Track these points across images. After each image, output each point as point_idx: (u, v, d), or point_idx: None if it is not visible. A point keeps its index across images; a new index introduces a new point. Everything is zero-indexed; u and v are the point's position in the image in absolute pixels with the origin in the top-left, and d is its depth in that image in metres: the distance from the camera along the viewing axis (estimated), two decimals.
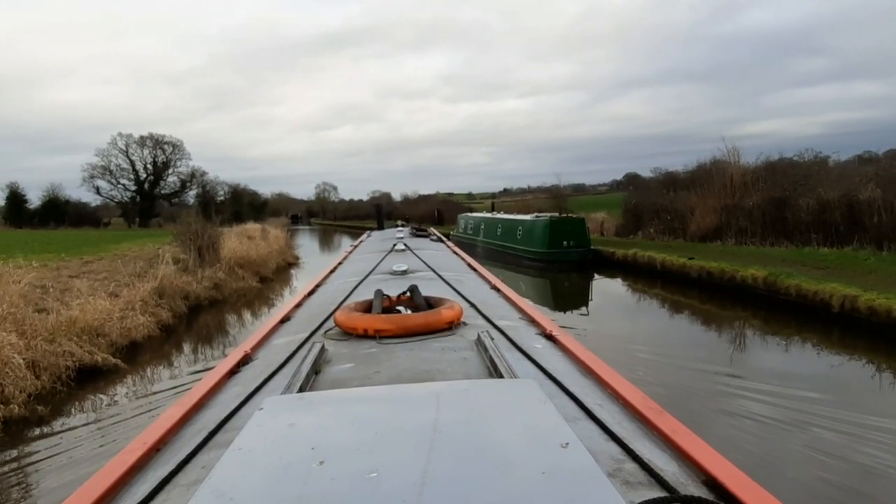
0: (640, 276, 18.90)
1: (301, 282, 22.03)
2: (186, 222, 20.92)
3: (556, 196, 37.68)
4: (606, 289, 19.16)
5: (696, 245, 21.12)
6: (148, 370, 10.67)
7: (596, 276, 20.77)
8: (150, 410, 8.18)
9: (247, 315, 16.41)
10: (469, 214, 32.11)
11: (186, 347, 12.42)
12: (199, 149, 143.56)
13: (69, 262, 20.08)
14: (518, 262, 23.36)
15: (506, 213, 29.71)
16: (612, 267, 20.90)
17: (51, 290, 13.57)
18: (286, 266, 25.70)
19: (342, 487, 1.15)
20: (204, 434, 1.86)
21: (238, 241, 21.62)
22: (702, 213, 22.17)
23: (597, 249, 21.65)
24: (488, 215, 29.11)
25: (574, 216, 22.13)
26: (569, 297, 18.81)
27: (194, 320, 14.86)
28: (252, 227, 33.44)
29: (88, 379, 9.71)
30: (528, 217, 24.10)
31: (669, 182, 26.99)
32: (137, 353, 11.37)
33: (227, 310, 16.64)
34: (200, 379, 2.67)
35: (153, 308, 13.13)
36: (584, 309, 16.29)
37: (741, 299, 14.20)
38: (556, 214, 23.15)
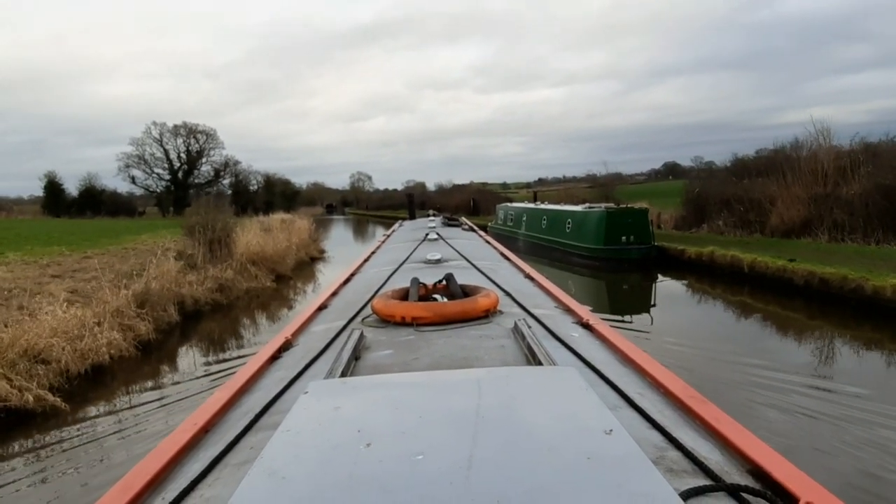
0: (719, 279, 15.55)
1: (325, 279, 19.35)
2: (196, 213, 18.39)
3: (602, 185, 34.13)
4: (675, 294, 15.86)
5: (780, 241, 17.60)
6: (106, 409, 8.00)
7: (660, 277, 17.50)
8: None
9: (253, 324, 13.69)
10: (509, 205, 28.89)
11: (166, 372, 9.70)
12: (238, 140, 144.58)
13: (69, 256, 17.77)
14: (567, 258, 20.19)
15: (550, 203, 26.44)
16: (680, 267, 17.56)
17: (21, 294, 11.12)
18: (309, 261, 23.00)
19: (390, 468, 1.15)
20: (250, 416, 1.88)
21: (252, 233, 18.93)
22: (785, 204, 18.60)
23: (661, 246, 18.32)
24: (531, 205, 25.88)
25: (635, 207, 18.82)
26: (629, 301, 15.63)
27: (188, 332, 12.21)
28: (275, 217, 30.99)
29: (16, 426, 7.10)
30: (578, 208, 20.83)
31: (740, 168, 23.32)
32: (97, 384, 8.71)
33: (232, 317, 13.96)
34: (244, 364, 2.62)
35: (131, 319, 10.50)
36: (645, 316, 13.19)
37: (870, 316, 10.82)
38: (612, 205, 19.85)
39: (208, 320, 13.32)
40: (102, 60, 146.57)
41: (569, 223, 20.34)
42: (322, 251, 26.33)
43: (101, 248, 20.44)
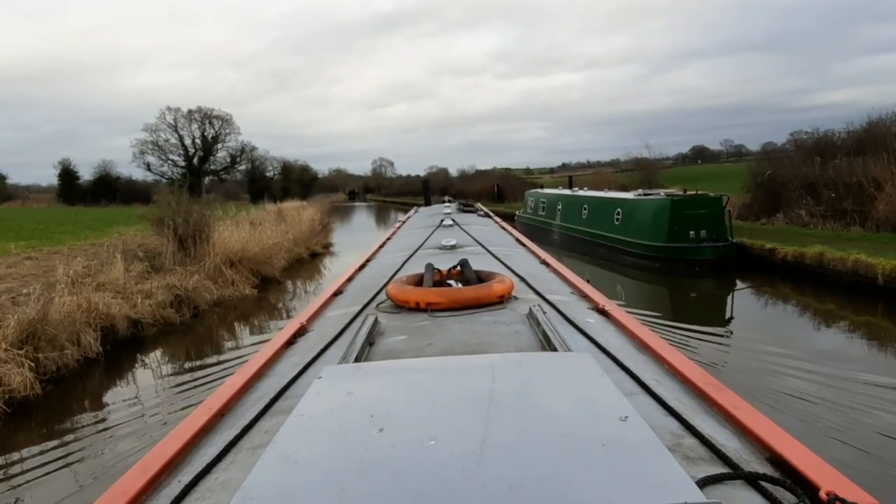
0: (828, 290, 11.46)
1: (325, 281, 15.72)
2: (165, 202, 14.84)
3: (643, 167, 29.84)
4: (762, 308, 11.82)
5: (893, 236, 13.39)
6: None
7: (739, 283, 13.47)
8: None
9: (215, 351, 10.05)
10: (540, 191, 24.80)
11: (32, 456, 6.08)
12: (264, 127, 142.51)
13: (11, 256, 14.37)
14: (615, 257, 16.21)
15: (589, 189, 22.34)
16: (767, 271, 13.46)
17: None
18: (309, 258, 19.31)
19: (402, 454, 1.12)
20: (265, 401, 1.86)
21: (230, 228, 15.28)
22: None
23: (741, 244, 14.22)
24: (567, 192, 21.83)
25: (710, 194, 14.71)
26: (698, 314, 11.68)
27: (112, 372, 8.60)
28: (282, 205, 27.45)
29: None
30: (629, 195, 16.77)
31: (823, 147, 18.96)
32: None
33: (188, 343, 10.32)
34: (258, 350, 2.56)
35: (2, 365, 6.92)
36: (722, 337, 9.35)
37: None
38: (674, 191, 15.73)
39: (151, 349, 9.72)
40: (133, 52, 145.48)
41: (618, 213, 16.32)
42: (327, 245, 22.57)
43: (67, 244, 17.08)
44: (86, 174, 58.46)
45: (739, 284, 13.44)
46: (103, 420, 6.92)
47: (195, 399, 7.04)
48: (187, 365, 9.05)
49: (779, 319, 10.91)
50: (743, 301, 12.54)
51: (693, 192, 14.79)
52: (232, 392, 2.00)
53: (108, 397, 7.75)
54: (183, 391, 7.69)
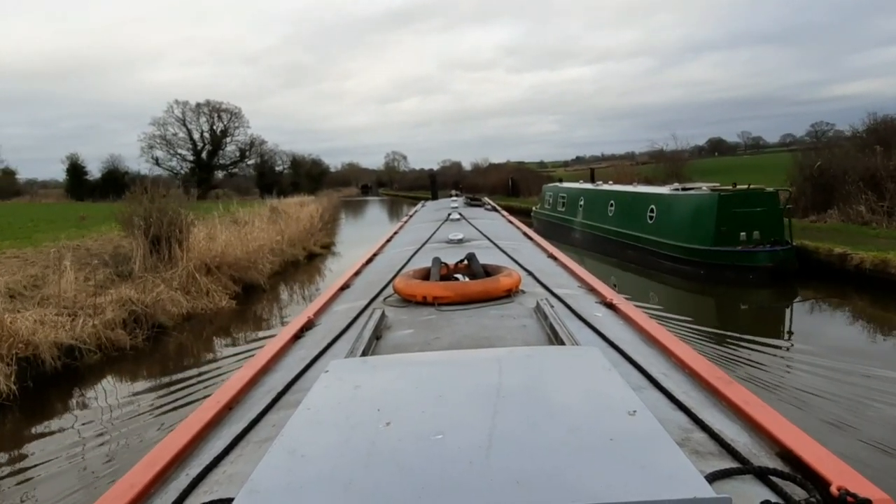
0: None
1: (320, 287, 13.77)
2: (137, 199, 12.94)
3: (669, 159, 27.50)
4: (831, 326, 9.67)
5: None
6: None
7: (800, 296, 11.27)
8: None
9: (169, 385, 8.08)
10: (560, 185, 22.57)
11: None
12: (278, 122, 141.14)
13: None
14: (648, 260, 14.06)
15: (613, 183, 20.09)
16: (837, 279, 11.23)
17: None
18: (304, 260, 17.33)
19: (409, 448, 1.11)
20: (273, 395, 1.85)
21: (205, 230, 13.34)
22: None
23: (801, 247, 11.98)
24: (590, 186, 19.63)
25: (765, 189, 12.48)
26: (750, 330, 9.49)
27: (29, 415, 6.70)
28: (287, 200, 25.53)
29: None
30: (664, 190, 14.56)
31: (883, 134, 16.59)
32: None
33: (143, 374, 8.39)
34: (265, 344, 2.53)
35: None
36: (781, 365, 7.29)
37: None
38: (720, 186, 13.48)
39: (93, 383, 7.79)
40: (149, 48, 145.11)
41: (651, 211, 14.14)
42: (328, 245, 20.55)
43: (40, 245, 15.29)
44: (97, 170, 57.32)
45: (801, 298, 11.25)
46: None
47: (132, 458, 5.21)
48: (134, 404, 7.09)
49: (849, 337, 8.74)
50: (802, 314, 10.37)
51: (744, 187, 12.57)
52: (239, 385, 1.98)
53: (9, 460, 5.82)
54: (122, 441, 5.76)
